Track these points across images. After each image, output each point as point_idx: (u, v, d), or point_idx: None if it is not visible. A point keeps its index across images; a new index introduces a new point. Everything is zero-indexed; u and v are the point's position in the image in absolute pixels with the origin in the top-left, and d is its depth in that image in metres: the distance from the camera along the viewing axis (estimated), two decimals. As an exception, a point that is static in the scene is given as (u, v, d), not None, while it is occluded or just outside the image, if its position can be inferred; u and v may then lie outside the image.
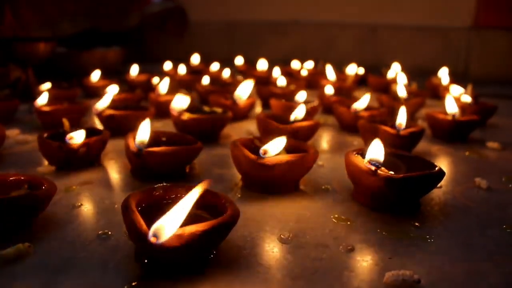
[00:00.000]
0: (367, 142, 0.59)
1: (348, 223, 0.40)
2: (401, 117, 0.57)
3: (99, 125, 0.74)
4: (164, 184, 0.37)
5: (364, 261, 0.34)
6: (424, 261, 0.34)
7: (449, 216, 0.42)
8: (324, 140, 0.67)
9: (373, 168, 0.40)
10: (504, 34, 1.26)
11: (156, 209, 0.34)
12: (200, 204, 0.34)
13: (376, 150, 0.42)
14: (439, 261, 0.34)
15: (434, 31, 1.39)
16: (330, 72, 1.03)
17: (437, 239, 0.38)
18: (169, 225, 0.28)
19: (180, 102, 0.60)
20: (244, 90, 0.71)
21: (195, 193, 0.30)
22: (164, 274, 0.31)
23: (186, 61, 1.36)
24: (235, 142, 0.46)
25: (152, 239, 0.27)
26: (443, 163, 0.59)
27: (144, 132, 0.46)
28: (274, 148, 0.43)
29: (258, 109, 0.88)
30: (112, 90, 0.78)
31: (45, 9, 1.16)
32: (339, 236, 0.38)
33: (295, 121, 0.58)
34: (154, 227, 0.28)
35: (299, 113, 0.58)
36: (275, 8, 1.57)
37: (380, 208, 0.42)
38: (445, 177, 0.53)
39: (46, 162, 0.53)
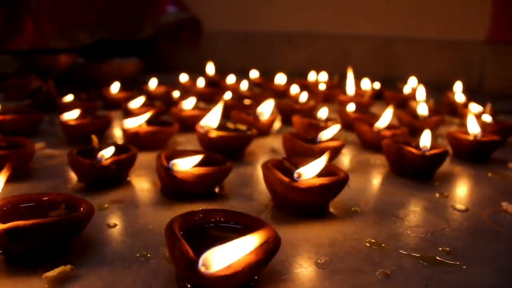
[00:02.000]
0: (391, 162, 0.60)
1: (382, 245, 0.41)
2: (426, 139, 0.58)
3: (116, 137, 0.75)
4: (204, 208, 0.38)
5: (402, 288, 0.34)
6: (461, 290, 0.34)
7: (479, 242, 0.43)
8: (347, 159, 0.67)
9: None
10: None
11: (196, 233, 0.35)
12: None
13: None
14: (475, 289, 0.34)
15: (448, 45, 1.40)
16: (350, 87, 1.03)
17: (470, 266, 0.38)
18: (220, 257, 0.28)
19: (210, 117, 0.60)
20: (267, 108, 0.71)
21: (254, 238, 0.31)
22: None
23: (200, 71, 1.37)
24: (267, 164, 0.46)
25: (202, 268, 0.28)
26: (467, 185, 0.59)
27: (190, 160, 0.47)
28: (311, 171, 0.43)
29: (276, 123, 0.88)
30: (136, 104, 0.80)
31: (62, 20, 1.17)
32: (374, 261, 0.38)
33: (322, 141, 0.58)
34: (204, 256, 0.28)
35: (328, 134, 0.58)
36: (288, 20, 1.58)
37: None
38: (471, 200, 0.54)
39: (75, 178, 0.54)
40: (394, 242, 0.42)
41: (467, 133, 0.68)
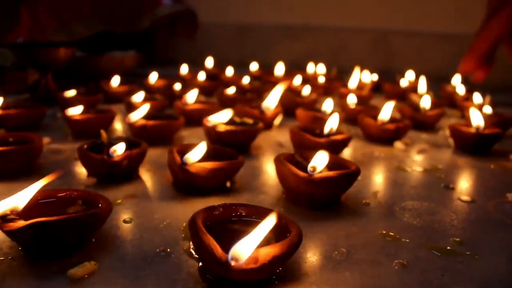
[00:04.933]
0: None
1: (396, 236, 0.41)
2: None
3: (119, 131, 0.75)
4: (224, 203, 0.38)
5: (420, 278, 0.35)
6: (475, 278, 0.35)
7: (488, 232, 0.44)
8: (351, 152, 0.68)
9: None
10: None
11: (216, 227, 0.35)
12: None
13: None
14: (489, 278, 0.35)
15: (446, 37, 1.41)
16: (354, 81, 1.04)
17: (482, 255, 0.39)
18: (246, 248, 0.29)
19: (219, 114, 0.61)
20: (272, 101, 0.72)
21: (271, 221, 0.31)
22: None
23: (198, 64, 1.37)
24: (280, 158, 0.47)
25: (233, 263, 0.28)
26: (471, 177, 0.60)
27: (197, 151, 0.47)
28: (321, 164, 0.44)
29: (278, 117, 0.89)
30: (138, 98, 0.79)
31: (59, 13, 1.16)
32: (390, 252, 0.39)
33: (330, 134, 0.59)
34: (232, 250, 0.29)
35: (333, 124, 0.59)
36: (285, 12, 1.58)
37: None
38: (476, 191, 0.55)
39: (84, 173, 0.54)
40: (407, 233, 0.42)
41: (469, 125, 0.69)
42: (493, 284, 0.35)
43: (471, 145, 0.68)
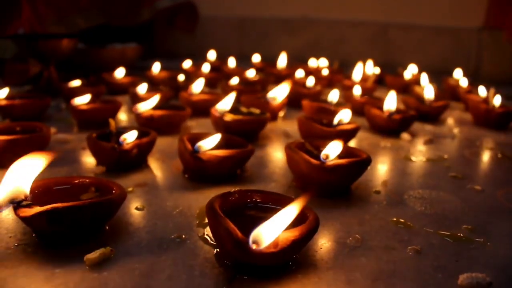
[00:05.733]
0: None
1: (408, 223, 0.42)
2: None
3: (125, 123, 0.74)
4: (239, 189, 0.38)
5: (435, 264, 0.35)
6: (489, 264, 0.36)
7: (499, 220, 0.44)
8: (358, 142, 0.68)
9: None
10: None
11: (232, 213, 0.35)
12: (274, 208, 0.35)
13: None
14: (503, 263, 0.36)
15: (445, 31, 1.41)
16: (357, 73, 1.04)
17: (493, 242, 0.39)
18: (268, 233, 0.29)
19: (224, 103, 0.60)
20: (281, 92, 0.72)
21: (296, 206, 0.31)
22: (250, 276, 0.32)
23: (198, 57, 1.36)
24: (291, 146, 0.47)
25: (254, 246, 0.28)
26: (479, 165, 0.61)
27: (211, 140, 0.47)
28: (333, 151, 0.44)
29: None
30: (142, 89, 0.79)
31: (59, 5, 1.15)
32: (403, 239, 0.39)
33: (339, 124, 0.59)
34: (254, 234, 0.29)
35: (344, 116, 0.59)
36: (285, 5, 1.58)
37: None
38: (484, 180, 0.55)
39: (93, 162, 0.54)
40: (418, 220, 0.43)
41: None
42: (507, 269, 0.35)
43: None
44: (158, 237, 0.38)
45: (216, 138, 0.48)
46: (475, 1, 1.36)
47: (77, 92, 0.78)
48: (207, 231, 0.38)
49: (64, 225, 0.35)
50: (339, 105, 0.74)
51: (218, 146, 0.49)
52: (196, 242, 0.37)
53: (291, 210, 0.31)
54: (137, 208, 0.43)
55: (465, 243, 0.39)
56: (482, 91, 0.87)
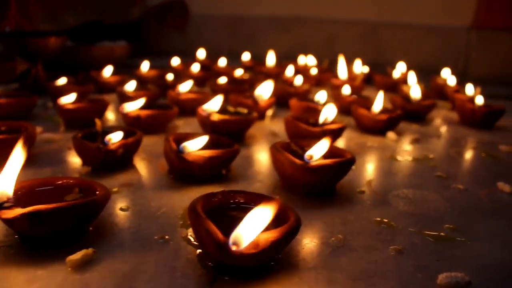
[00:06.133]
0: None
1: (391, 223, 0.42)
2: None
3: (111, 121, 0.74)
4: (222, 190, 0.38)
5: (415, 263, 0.36)
6: (469, 263, 0.36)
7: (481, 219, 0.45)
8: (345, 142, 0.68)
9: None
10: (504, 35, 1.29)
11: (214, 214, 0.36)
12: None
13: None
14: (483, 263, 0.36)
15: (435, 30, 1.42)
16: (342, 70, 1.04)
17: (475, 241, 0.40)
18: (247, 234, 0.29)
19: (212, 103, 0.60)
20: (266, 90, 0.72)
21: (273, 207, 0.31)
22: (232, 277, 0.32)
23: (188, 55, 1.36)
24: (276, 146, 0.47)
25: (233, 247, 0.29)
26: (464, 165, 0.61)
27: (197, 141, 0.47)
28: (318, 152, 0.44)
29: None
30: (131, 87, 0.79)
31: (49, 2, 1.14)
32: (386, 239, 0.39)
33: (325, 123, 0.59)
34: (233, 235, 0.29)
35: (329, 115, 0.59)
36: (276, 4, 1.57)
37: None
38: (468, 179, 0.56)
39: (78, 162, 0.54)
40: (402, 220, 0.43)
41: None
42: (487, 269, 0.35)
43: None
44: (142, 238, 0.38)
45: (202, 140, 0.48)
46: (465, 1, 1.37)
47: (64, 90, 0.78)
48: (190, 232, 0.38)
49: (46, 227, 0.35)
50: (327, 104, 0.74)
51: (203, 146, 0.49)
52: (179, 243, 0.37)
53: (265, 210, 0.31)
54: (121, 209, 0.43)
55: (447, 242, 0.39)
56: (469, 89, 0.87)
